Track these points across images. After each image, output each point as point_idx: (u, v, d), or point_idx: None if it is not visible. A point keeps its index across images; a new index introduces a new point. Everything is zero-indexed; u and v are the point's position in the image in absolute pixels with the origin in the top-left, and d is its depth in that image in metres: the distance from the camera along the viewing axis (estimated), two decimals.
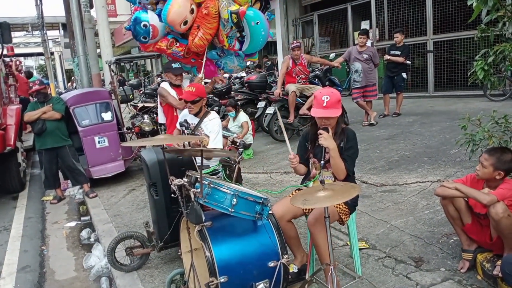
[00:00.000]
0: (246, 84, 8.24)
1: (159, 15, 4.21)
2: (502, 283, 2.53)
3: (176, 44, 4.40)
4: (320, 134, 2.64)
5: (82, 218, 5.24)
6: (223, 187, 2.38)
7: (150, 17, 4.24)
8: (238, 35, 4.29)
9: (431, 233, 3.45)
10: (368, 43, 7.87)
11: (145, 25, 4.18)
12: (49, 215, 5.55)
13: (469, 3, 3.03)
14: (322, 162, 2.61)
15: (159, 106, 4.80)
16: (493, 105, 7.68)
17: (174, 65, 4.59)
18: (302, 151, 2.94)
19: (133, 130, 7.10)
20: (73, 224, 5.10)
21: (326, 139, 2.62)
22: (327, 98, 2.65)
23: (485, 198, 2.51)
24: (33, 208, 5.85)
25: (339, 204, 2.67)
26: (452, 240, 3.28)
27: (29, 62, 50.04)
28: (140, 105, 8.08)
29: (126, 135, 7.02)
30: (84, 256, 4.08)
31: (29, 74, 11.66)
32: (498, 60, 2.95)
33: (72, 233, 4.85)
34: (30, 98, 7.74)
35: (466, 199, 2.80)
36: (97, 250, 4.03)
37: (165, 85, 4.65)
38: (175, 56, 4.57)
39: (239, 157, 3.50)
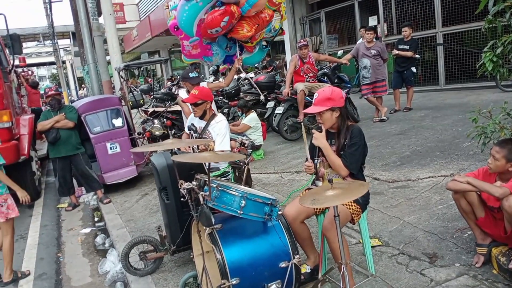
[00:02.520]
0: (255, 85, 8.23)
1: None
2: None
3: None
4: (313, 133, 2.69)
5: (97, 224, 5.31)
6: (231, 189, 2.38)
7: None
8: (265, 43, 4.64)
9: (444, 228, 3.41)
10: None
11: None
12: (64, 222, 5.63)
13: None
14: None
15: (183, 114, 4.88)
16: (506, 96, 7.56)
17: (191, 75, 4.61)
18: (312, 150, 2.94)
19: (144, 135, 7.15)
20: (88, 230, 5.17)
21: (317, 139, 2.69)
22: (316, 95, 2.74)
23: (498, 191, 2.48)
24: (49, 215, 5.94)
25: (352, 205, 2.65)
26: (466, 234, 3.24)
27: (42, 72, 50.88)
28: (150, 110, 8.14)
29: (138, 140, 7.08)
30: (99, 261, 4.12)
31: (34, 84, 11.75)
32: (507, 51, 2.90)
33: (87, 239, 4.91)
34: (42, 107, 7.87)
35: (478, 192, 2.75)
36: (112, 256, 4.07)
37: (181, 93, 4.73)
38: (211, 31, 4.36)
39: (248, 159, 3.51)
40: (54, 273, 4.12)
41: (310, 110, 2.75)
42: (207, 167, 2.45)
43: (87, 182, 5.86)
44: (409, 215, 3.74)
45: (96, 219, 5.58)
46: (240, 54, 4.80)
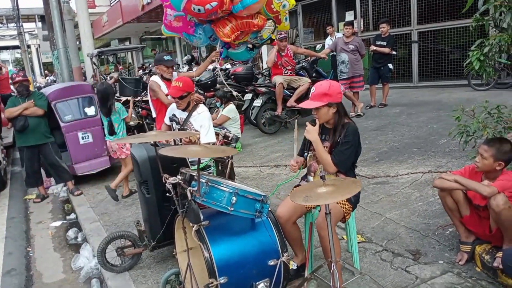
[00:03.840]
0: (232, 76, 8.11)
1: None
2: (502, 274, 2.53)
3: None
4: (306, 125, 2.64)
5: (68, 217, 5.08)
6: (221, 185, 2.29)
7: None
8: (250, 46, 4.44)
9: (426, 225, 3.44)
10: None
11: None
12: (33, 215, 5.37)
13: None
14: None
15: (149, 100, 4.65)
16: (477, 94, 7.78)
17: (166, 57, 4.44)
18: (304, 144, 2.88)
19: None
20: (58, 223, 4.94)
21: (309, 132, 2.64)
22: (313, 90, 2.68)
23: (486, 190, 2.50)
24: (16, 207, 5.65)
25: (345, 203, 2.62)
26: (448, 231, 3.28)
27: (5, 56, 48.67)
28: (123, 98, 7.88)
29: None
30: (72, 257, 3.93)
31: None
32: (494, 51, 2.92)
33: (58, 233, 4.70)
34: (12, 93, 7.48)
35: (464, 191, 2.78)
36: (86, 251, 3.90)
37: (155, 79, 4.46)
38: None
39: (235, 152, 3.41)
40: (24, 269, 3.90)
41: (305, 105, 2.69)
42: (191, 160, 2.35)
43: (57, 172, 5.62)
44: (391, 211, 3.76)
45: (67, 211, 5.35)
46: (222, 48, 4.62)
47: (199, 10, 3.72)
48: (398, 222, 3.56)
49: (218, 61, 4.88)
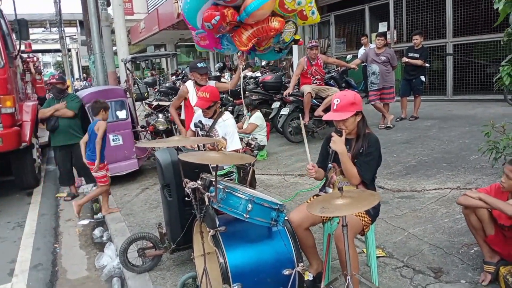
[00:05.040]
0: (261, 85, 8.17)
1: None
2: None
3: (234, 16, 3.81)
4: (332, 137, 2.59)
5: (95, 216, 5.24)
6: (238, 192, 2.31)
7: None
8: (277, 49, 4.25)
9: (450, 242, 3.34)
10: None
11: None
12: (62, 212, 5.56)
13: (495, 6, 2.93)
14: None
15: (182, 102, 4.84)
16: None
17: (199, 65, 4.56)
18: (323, 154, 2.86)
19: (147, 129, 7.09)
20: (86, 222, 5.10)
21: (336, 143, 2.58)
22: (337, 101, 2.62)
23: (511, 210, 2.41)
24: (47, 204, 5.87)
25: (364, 216, 2.58)
26: (473, 250, 3.17)
27: (47, 59, 50.80)
28: (155, 103, 8.07)
29: (140, 133, 7.02)
30: (97, 255, 4.05)
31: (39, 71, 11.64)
32: None
33: (85, 231, 4.85)
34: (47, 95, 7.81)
35: (489, 209, 2.69)
36: (110, 250, 4.00)
37: (188, 84, 4.66)
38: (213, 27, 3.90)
39: (254, 160, 3.44)
40: (50, 264, 4.04)
41: (335, 117, 2.61)
42: (215, 168, 2.38)
43: (87, 173, 5.78)
44: (414, 227, 3.68)
45: (94, 211, 5.51)
46: (242, 53, 4.62)
47: (208, 26, 3.73)
48: (421, 238, 3.48)
49: (243, 64, 4.85)
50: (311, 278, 2.82)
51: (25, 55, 10.50)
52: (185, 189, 2.54)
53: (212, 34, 4.09)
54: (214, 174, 2.28)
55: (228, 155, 2.32)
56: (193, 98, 4.62)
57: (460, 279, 2.84)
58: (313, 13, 4.11)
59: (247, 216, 2.27)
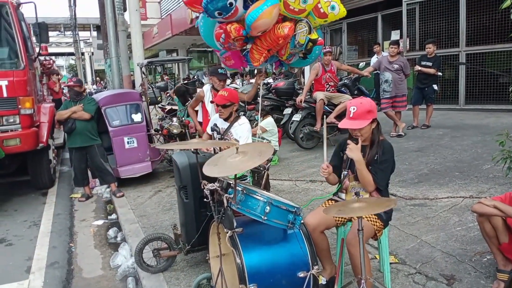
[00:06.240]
0: (273, 91, 8.23)
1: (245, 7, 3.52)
2: None
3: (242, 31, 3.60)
4: (348, 144, 2.62)
5: (109, 217, 5.33)
6: (256, 194, 2.37)
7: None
8: (301, 56, 3.97)
9: (463, 250, 3.35)
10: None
11: (230, 4, 3.41)
12: (77, 213, 5.65)
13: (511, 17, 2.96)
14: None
15: (199, 105, 4.94)
16: None
17: (220, 70, 4.63)
18: (336, 160, 2.90)
19: (161, 132, 7.19)
20: (100, 222, 5.18)
21: (352, 150, 2.60)
22: (354, 109, 2.62)
23: None
24: (62, 204, 5.97)
25: (376, 220, 2.62)
26: (486, 258, 3.19)
27: (60, 62, 51.42)
28: (168, 107, 8.19)
29: (154, 137, 7.11)
30: (111, 255, 4.13)
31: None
32: None
33: (100, 232, 4.93)
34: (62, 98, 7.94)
35: (504, 217, 2.71)
36: (124, 250, 4.08)
37: (205, 88, 4.76)
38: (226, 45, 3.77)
39: (268, 164, 3.49)
40: (66, 263, 4.12)
41: (352, 125, 2.62)
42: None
43: (101, 174, 5.89)
44: (427, 234, 3.69)
45: (108, 211, 5.60)
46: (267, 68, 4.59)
47: (220, 45, 3.71)
48: (434, 245, 3.49)
49: (262, 79, 4.76)
50: (324, 282, 2.85)
51: (41, 58, 10.69)
52: (204, 190, 2.60)
53: (236, 53, 4.02)
54: (233, 176, 2.33)
55: (248, 154, 2.34)
56: (208, 103, 4.70)
57: (473, 287, 2.86)
58: (333, 8, 3.66)
59: (265, 218, 2.32)
